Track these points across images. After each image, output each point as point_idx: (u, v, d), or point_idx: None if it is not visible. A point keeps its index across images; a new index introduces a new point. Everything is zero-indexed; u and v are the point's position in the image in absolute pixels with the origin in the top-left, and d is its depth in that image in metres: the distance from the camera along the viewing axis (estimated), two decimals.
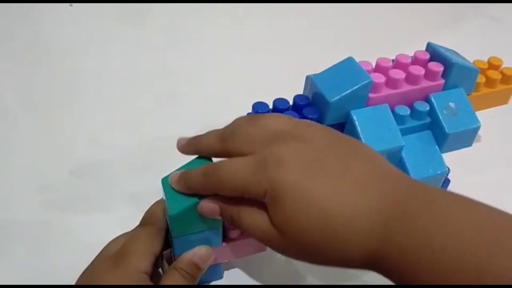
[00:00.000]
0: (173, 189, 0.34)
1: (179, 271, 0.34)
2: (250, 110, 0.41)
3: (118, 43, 0.68)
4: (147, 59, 0.65)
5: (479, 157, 0.51)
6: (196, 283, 0.36)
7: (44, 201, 0.46)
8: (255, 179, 0.29)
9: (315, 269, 0.42)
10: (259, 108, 0.40)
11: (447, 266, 0.25)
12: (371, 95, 0.40)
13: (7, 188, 0.47)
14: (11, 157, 0.50)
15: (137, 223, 0.37)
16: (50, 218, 0.44)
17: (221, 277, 0.41)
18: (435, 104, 0.42)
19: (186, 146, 0.36)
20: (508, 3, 0.82)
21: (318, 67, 0.42)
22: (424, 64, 0.42)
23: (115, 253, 0.35)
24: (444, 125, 0.42)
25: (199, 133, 0.54)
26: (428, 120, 0.42)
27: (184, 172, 0.34)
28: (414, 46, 0.44)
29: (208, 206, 0.33)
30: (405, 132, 0.41)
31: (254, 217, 0.31)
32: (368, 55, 0.43)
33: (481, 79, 0.47)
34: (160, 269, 0.39)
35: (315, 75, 0.41)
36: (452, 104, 0.42)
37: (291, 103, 0.42)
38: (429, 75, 0.42)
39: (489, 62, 0.49)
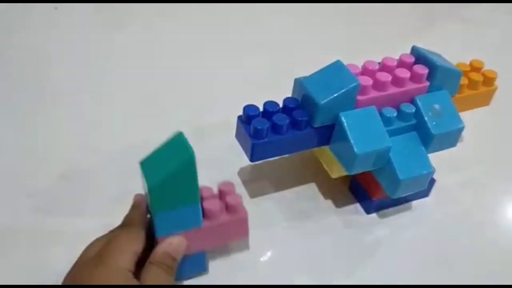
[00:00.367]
0: (150, 166, 0.35)
1: (157, 265, 0.35)
2: (240, 113, 0.42)
3: (103, 46, 0.67)
4: (133, 61, 0.65)
5: (463, 157, 0.52)
6: (174, 274, 0.36)
7: (31, 205, 0.45)
8: None
9: (304, 267, 0.43)
10: (249, 110, 0.41)
11: None
12: (359, 97, 0.41)
13: None
14: None
15: None
16: (37, 222, 0.44)
17: (205, 270, 0.41)
18: (420, 106, 0.43)
19: None
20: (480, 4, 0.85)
21: (307, 70, 0.43)
22: (409, 67, 0.43)
23: (96, 252, 0.35)
24: (430, 126, 0.43)
25: (190, 136, 0.54)
26: (414, 121, 0.43)
27: None
28: (397, 50, 0.45)
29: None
30: (392, 133, 0.42)
31: None
32: (352, 59, 0.44)
33: (464, 81, 0.48)
34: None
35: (304, 78, 0.42)
36: (437, 106, 0.44)
37: (281, 105, 0.42)
38: (415, 77, 0.43)
39: (471, 64, 0.51)
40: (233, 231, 0.40)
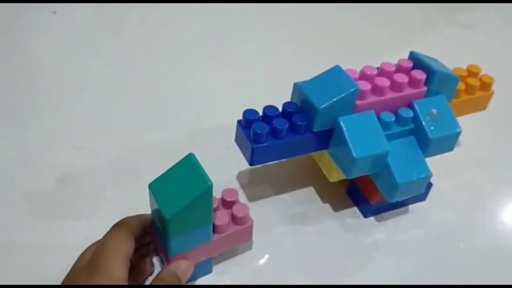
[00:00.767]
0: (162, 190, 0.35)
1: (163, 283, 0.36)
2: (239, 117, 0.42)
3: (101, 49, 0.68)
4: (132, 64, 0.65)
5: (460, 161, 0.53)
6: None
7: (30, 209, 0.45)
8: None
9: (302, 270, 0.43)
10: (249, 115, 0.41)
11: None
12: (358, 102, 0.41)
13: None
14: None
15: None
16: (36, 225, 0.44)
17: (210, 272, 0.42)
18: (418, 111, 0.44)
19: None
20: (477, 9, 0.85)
21: (305, 75, 0.43)
22: (407, 72, 0.44)
23: (88, 261, 0.35)
24: (427, 130, 0.43)
25: (188, 141, 0.55)
26: (411, 126, 0.44)
27: None
28: (394, 55, 0.46)
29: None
30: (390, 137, 0.43)
31: None
32: (348, 63, 0.44)
33: (461, 86, 0.49)
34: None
35: (303, 82, 0.42)
36: (434, 111, 0.44)
37: (280, 110, 0.43)
38: (413, 82, 0.44)
39: (468, 69, 0.51)
40: (240, 239, 0.41)
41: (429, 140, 0.43)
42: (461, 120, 0.46)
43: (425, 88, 0.44)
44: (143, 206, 0.40)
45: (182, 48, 0.69)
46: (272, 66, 0.67)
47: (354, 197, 0.49)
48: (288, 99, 0.44)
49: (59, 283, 0.36)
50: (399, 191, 0.43)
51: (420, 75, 0.44)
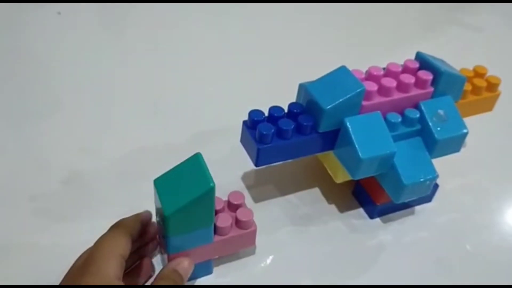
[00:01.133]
0: (166, 187, 0.35)
1: (165, 280, 0.36)
2: (245, 118, 0.42)
3: (106, 50, 0.68)
4: (136, 66, 0.65)
5: (466, 162, 0.53)
6: None
7: (34, 210, 0.45)
8: None
9: (307, 271, 0.43)
10: (255, 115, 0.41)
11: None
12: (364, 102, 0.41)
13: None
14: None
15: None
16: (40, 226, 0.44)
17: (211, 273, 0.42)
18: (425, 112, 0.43)
19: None
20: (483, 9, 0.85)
21: (311, 75, 0.43)
22: (414, 72, 0.44)
23: (82, 262, 0.35)
24: (434, 131, 0.43)
25: (193, 141, 0.54)
26: (418, 127, 0.44)
27: None
28: (401, 55, 0.46)
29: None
30: (396, 138, 0.42)
31: None
32: (354, 64, 0.44)
33: (467, 86, 0.48)
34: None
35: (309, 83, 0.42)
36: (441, 111, 0.44)
37: (285, 110, 0.42)
38: (419, 83, 0.43)
39: (475, 70, 0.51)
40: (242, 243, 0.41)
41: (436, 141, 0.43)
42: (468, 121, 0.45)
43: (431, 89, 0.44)
44: (148, 208, 0.40)
45: (187, 48, 0.69)
46: (277, 66, 0.66)
47: (360, 198, 0.49)
48: (293, 99, 0.44)
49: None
50: (406, 192, 0.42)
51: (426, 75, 0.43)
